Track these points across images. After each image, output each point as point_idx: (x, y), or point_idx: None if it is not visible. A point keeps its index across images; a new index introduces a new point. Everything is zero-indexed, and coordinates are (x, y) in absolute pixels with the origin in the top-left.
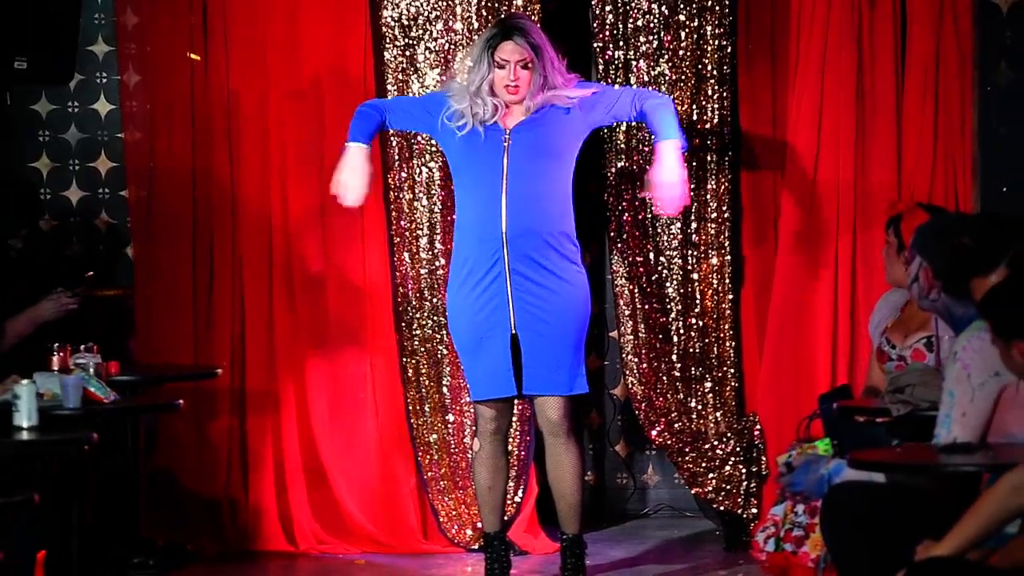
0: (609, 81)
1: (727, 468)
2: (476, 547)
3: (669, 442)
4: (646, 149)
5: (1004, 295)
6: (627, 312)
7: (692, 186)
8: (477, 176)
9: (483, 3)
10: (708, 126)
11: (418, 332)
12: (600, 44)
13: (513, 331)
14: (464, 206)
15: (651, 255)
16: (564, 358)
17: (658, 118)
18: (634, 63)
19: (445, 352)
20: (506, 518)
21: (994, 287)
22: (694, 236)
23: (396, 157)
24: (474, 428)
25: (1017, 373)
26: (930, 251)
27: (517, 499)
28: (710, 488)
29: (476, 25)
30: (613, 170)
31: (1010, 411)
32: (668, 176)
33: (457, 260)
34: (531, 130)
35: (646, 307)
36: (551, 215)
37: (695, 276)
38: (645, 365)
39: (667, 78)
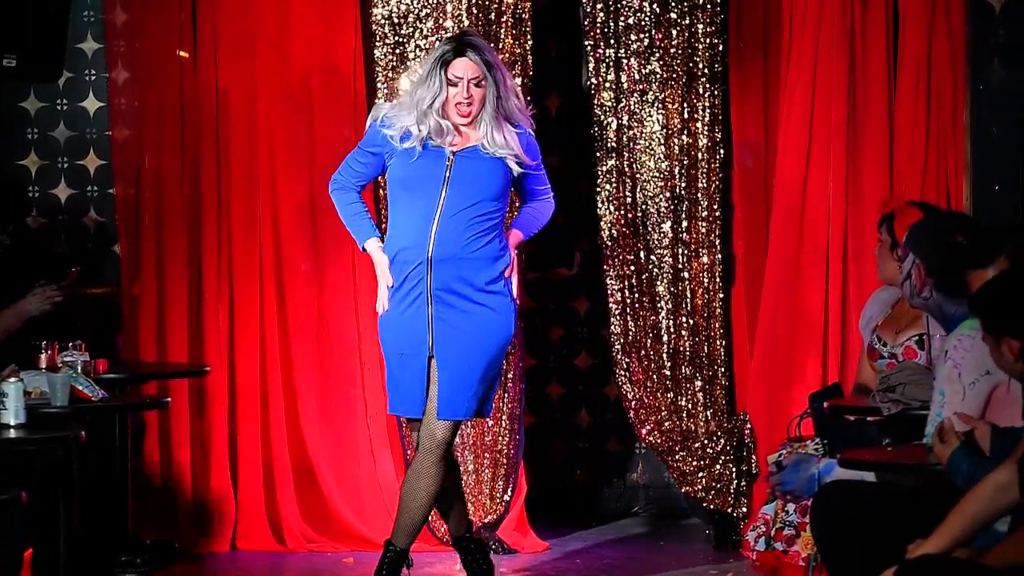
0: (599, 80)
1: (717, 467)
2: None
3: (659, 441)
4: (636, 147)
5: (995, 291)
6: (617, 311)
7: (683, 185)
8: (413, 195)
9: (473, 1)
10: (699, 124)
11: None
12: (591, 42)
13: (430, 353)
14: (396, 222)
15: (641, 253)
16: (469, 382)
17: (528, 215)
18: (625, 61)
19: None
20: (495, 517)
21: (985, 284)
22: (685, 235)
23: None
24: (463, 427)
25: (1007, 370)
26: (923, 249)
27: (507, 498)
28: (700, 487)
29: (467, 23)
30: (603, 168)
31: (1000, 410)
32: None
33: (393, 273)
34: (476, 160)
35: (636, 306)
36: (480, 242)
37: (686, 275)
38: (635, 364)
39: (658, 76)
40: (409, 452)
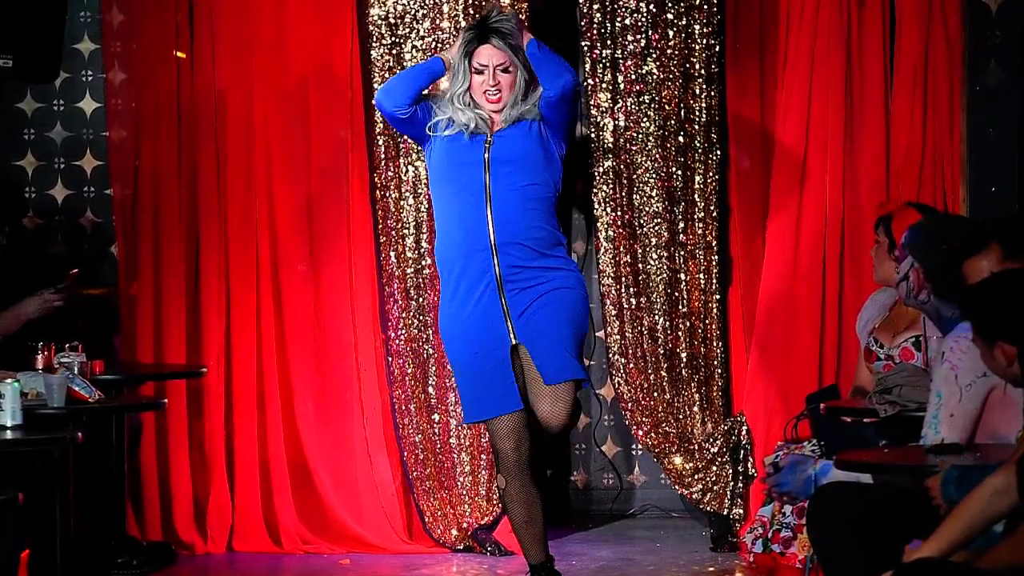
0: (596, 80)
1: (714, 469)
2: (461, 547)
3: (656, 443)
4: (633, 148)
5: (989, 293)
6: (614, 312)
7: (680, 187)
8: (457, 184)
9: (470, 1)
10: (696, 125)
11: (404, 332)
12: (587, 42)
13: (514, 342)
14: (445, 217)
15: (638, 254)
16: (567, 345)
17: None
18: (621, 62)
19: (431, 352)
20: (491, 518)
21: (978, 284)
22: (681, 236)
23: (383, 156)
24: (460, 428)
25: (999, 373)
26: (922, 252)
27: None
28: (697, 489)
29: (463, 23)
30: (600, 169)
31: (998, 412)
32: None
33: (445, 274)
34: (511, 136)
35: (633, 307)
36: (538, 219)
37: (682, 276)
38: (632, 365)
39: (655, 76)
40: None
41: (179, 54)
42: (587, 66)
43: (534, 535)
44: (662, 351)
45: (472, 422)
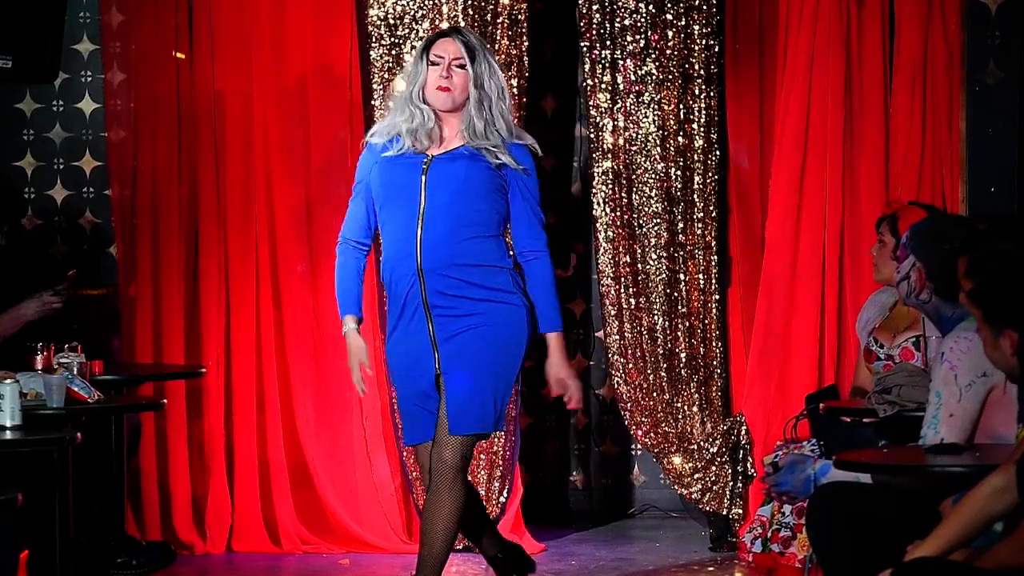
0: (596, 81)
1: (713, 469)
2: (460, 547)
3: (655, 442)
4: (632, 149)
5: (995, 284)
6: (613, 312)
7: (679, 187)
8: (393, 204)
9: (469, 2)
10: (695, 126)
11: None
12: (587, 43)
13: (437, 371)
14: (384, 237)
15: (638, 255)
16: (475, 394)
17: (536, 295)
18: (621, 62)
19: None
20: (491, 518)
21: (989, 274)
22: (681, 236)
23: None
24: None
25: (999, 365)
26: (925, 251)
27: (503, 499)
28: (696, 489)
29: (462, 23)
30: (599, 169)
31: (997, 412)
32: (564, 372)
33: (390, 295)
34: (454, 160)
35: (632, 307)
36: (472, 247)
37: (682, 276)
38: (631, 365)
39: (654, 77)
40: (415, 487)
41: (178, 55)
42: (587, 67)
43: (484, 529)
44: (661, 351)
45: (409, 445)
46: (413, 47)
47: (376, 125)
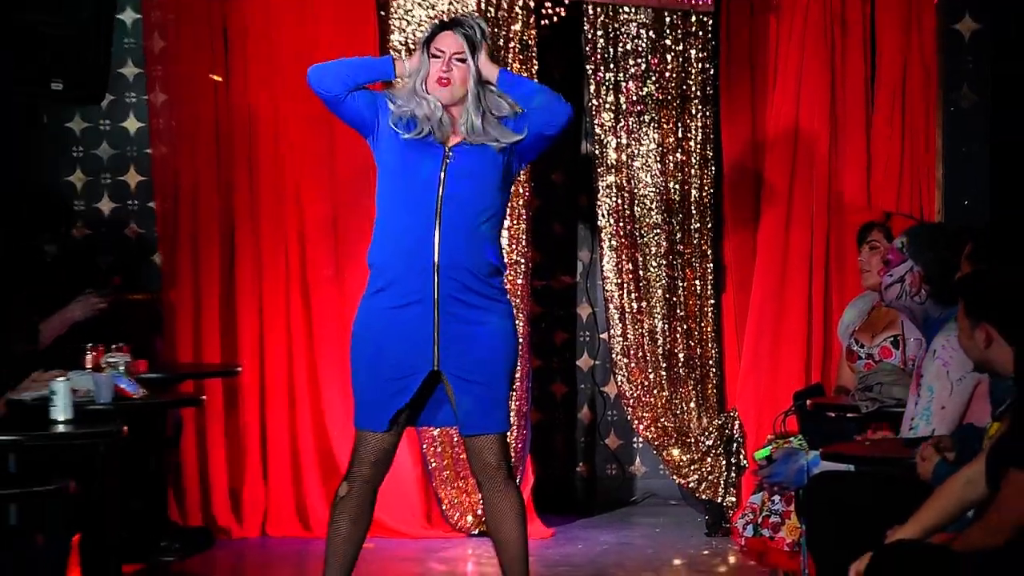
0: (600, 101)
1: (709, 460)
2: (476, 532)
3: (655, 436)
4: (634, 164)
5: (987, 280)
6: (616, 316)
7: (677, 200)
8: (408, 191)
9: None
10: (692, 143)
11: None
12: (592, 66)
13: (435, 367)
14: (390, 221)
15: (639, 262)
16: (499, 395)
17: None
18: (623, 84)
19: None
20: None
21: (977, 271)
22: (679, 245)
23: None
24: None
25: (971, 355)
26: (924, 255)
27: None
28: (693, 479)
29: (469, 11)
30: (603, 183)
31: (981, 404)
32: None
33: (376, 275)
34: (470, 152)
35: (634, 311)
36: (483, 245)
37: (680, 282)
38: (633, 365)
39: (654, 98)
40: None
41: (215, 77)
42: (591, 88)
43: (345, 559)
44: (661, 351)
45: (362, 429)
46: None
47: (391, 104)
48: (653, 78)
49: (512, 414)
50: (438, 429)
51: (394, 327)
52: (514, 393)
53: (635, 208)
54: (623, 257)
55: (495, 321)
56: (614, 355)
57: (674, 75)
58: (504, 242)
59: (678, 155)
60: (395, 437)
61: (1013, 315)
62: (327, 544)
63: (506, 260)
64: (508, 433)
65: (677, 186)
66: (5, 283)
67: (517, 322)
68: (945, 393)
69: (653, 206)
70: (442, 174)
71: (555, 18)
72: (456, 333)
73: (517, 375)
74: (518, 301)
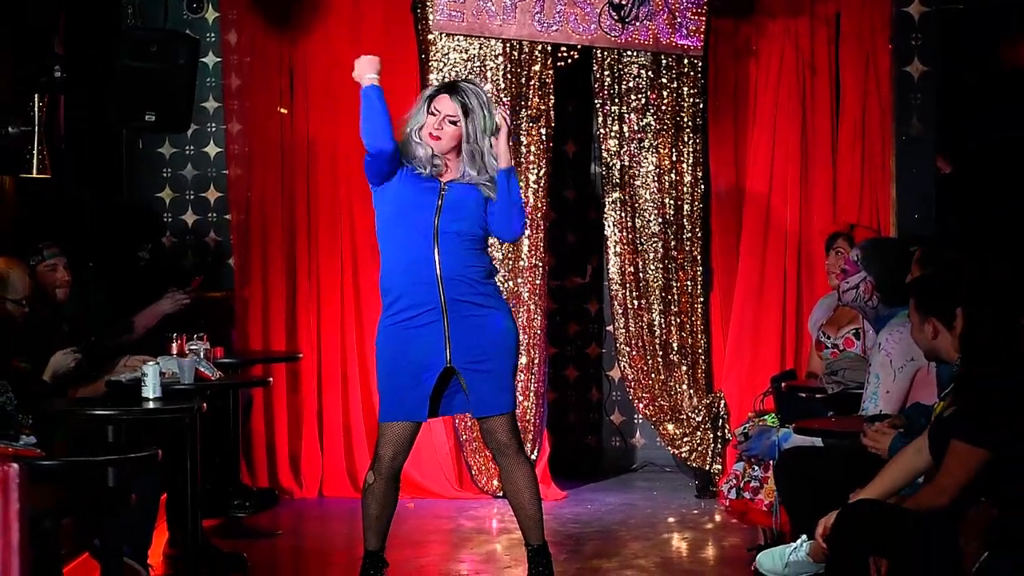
0: (607, 130)
1: (699, 434)
2: (501, 495)
3: (653, 413)
4: (635, 183)
5: (934, 281)
6: (620, 311)
7: (672, 214)
8: (407, 221)
9: (508, 68)
10: (685, 165)
11: None
12: (600, 100)
13: (448, 364)
14: (395, 247)
15: (639, 266)
16: (506, 380)
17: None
18: (626, 115)
19: None
20: None
21: (925, 274)
22: (673, 252)
23: None
24: None
25: (921, 345)
26: (875, 268)
27: (533, 457)
28: (685, 449)
29: (503, 85)
30: (609, 199)
31: (920, 388)
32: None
33: (387, 299)
34: (464, 189)
35: (635, 307)
36: (476, 261)
37: (674, 283)
38: (634, 352)
39: (652, 127)
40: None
41: (282, 110)
42: (599, 119)
43: (380, 528)
44: (658, 341)
45: (385, 422)
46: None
47: (403, 140)
48: (652, 111)
49: (532, 395)
50: None
51: (409, 337)
52: (522, 376)
53: (636, 220)
54: (626, 261)
55: (498, 316)
56: (618, 344)
57: (669, 108)
58: (524, 249)
59: (673, 176)
60: (414, 428)
61: (954, 309)
62: (363, 519)
63: (525, 264)
64: (515, 412)
65: (672, 202)
66: (109, 284)
67: (535, 317)
68: (889, 379)
69: (652, 218)
70: (439, 202)
71: (569, 60)
72: (464, 327)
73: (522, 363)
74: (537, 298)
